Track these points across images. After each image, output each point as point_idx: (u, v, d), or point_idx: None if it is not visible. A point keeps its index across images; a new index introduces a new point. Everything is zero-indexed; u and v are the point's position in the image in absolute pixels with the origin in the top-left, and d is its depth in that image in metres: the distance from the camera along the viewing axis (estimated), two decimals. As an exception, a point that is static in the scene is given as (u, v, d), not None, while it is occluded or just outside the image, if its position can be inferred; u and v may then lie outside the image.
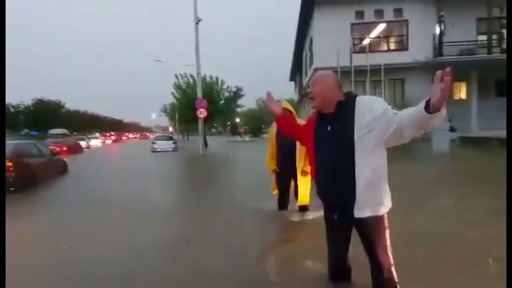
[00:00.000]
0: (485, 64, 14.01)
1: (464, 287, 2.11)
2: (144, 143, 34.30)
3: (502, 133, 12.15)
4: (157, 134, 25.98)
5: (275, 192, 3.95)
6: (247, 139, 29.99)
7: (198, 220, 4.08)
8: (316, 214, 3.39)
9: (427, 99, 1.42)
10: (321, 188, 1.88)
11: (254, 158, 11.36)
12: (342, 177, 1.71)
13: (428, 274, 2.23)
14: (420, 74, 14.54)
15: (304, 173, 3.57)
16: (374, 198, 1.70)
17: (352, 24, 14.99)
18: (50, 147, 10.01)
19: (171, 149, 18.01)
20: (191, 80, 20.12)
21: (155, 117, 74.42)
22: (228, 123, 54.21)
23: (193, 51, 14.07)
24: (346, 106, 1.72)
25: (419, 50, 14.42)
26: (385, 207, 1.75)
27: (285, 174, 3.76)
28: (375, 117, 1.62)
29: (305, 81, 22.06)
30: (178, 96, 21.05)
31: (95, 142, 29.60)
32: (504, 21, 14.46)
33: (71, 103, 55.72)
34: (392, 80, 14.70)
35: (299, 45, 21.65)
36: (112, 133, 55.26)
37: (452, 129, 12.21)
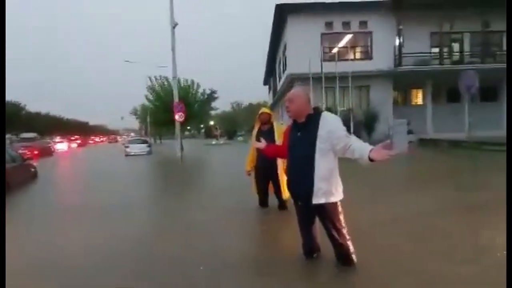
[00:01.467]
0: (438, 74, 15.66)
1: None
2: (113, 147, 32.99)
3: (453, 135, 13.72)
4: (131, 137, 25.30)
5: (257, 193, 4.24)
6: (221, 142, 29.95)
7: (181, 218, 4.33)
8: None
9: (371, 149, 2.05)
10: (290, 181, 2.48)
11: (234, 160, 11.65)
12: (304, 172, 2.27)
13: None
14: (383, 81, 15.89)
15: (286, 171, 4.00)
16: (327, 189, 2.26)
17: (322, 34, 15.97)
18: (20, 151, 9.60)
19: (145, 153, 17.75)
20: (165, 83, 19.93)
21: (123, 120, 71.65)
22: (202, 125, 53.81)
23: (165, 52, 14.20)
24: (314, 118, 2.30)
25: (382, 60, 15.74)
26: (335, 196, 2.30)
27: (264, 174, 4.05)
28: (332, 131, 2.22)
29: (279, 85, 22.86)
30: (152, 99, 20.73)
31: (61, 146, 28.23)
32: (454, 36, 16.28)
33: (32, 104, 51.84)
34: (359, 86, 15.87)
35: (273, 50, 22.43)
36: (76, 136, 52.37)
37: (410, 132, 13.51)
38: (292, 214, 3.66)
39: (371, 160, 2.04)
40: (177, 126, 14.31)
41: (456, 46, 16.38)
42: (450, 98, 16.99)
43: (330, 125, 2.24)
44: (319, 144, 2.22)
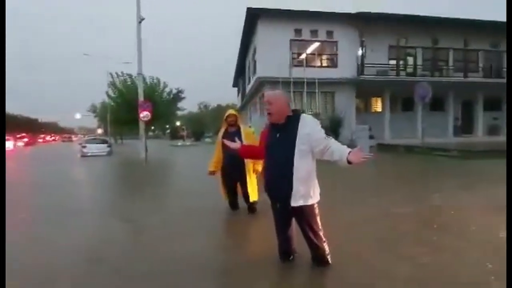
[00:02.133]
0: (395, 84, 16.93)
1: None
2: (67, 147, 30.46)
3: (407, 141, 14.92)
4: (88, 137, 23.39)
5: (225, 195, 4.15)
6: (187, 143, 28.92)
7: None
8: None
9: (349, 151, 2.13)
10: (268, 182, 2.44)
11: (202, 162, 11.41)
12: (283, 174, 2.27)
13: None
14: (346, 88, 16.75)
15: (256, 171, 3.92)
16: (305, 191, 2.28)
17: (291, 40, 16.39)
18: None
19: (105, 153, 16.61)
20: (128, 80, 18.90)
21: (79, 117, 66.45)
22: (167, 126, 52.02)
23: (129, 48, 13.52)
24: (293, 120, 2.31)
25: (346, 68, 16.60)
26: (313, 199, 2.33)
27: (232, 176, 4.00)
28: (311, 133, 2.24)
29: (248, 88, 22.96)
30: (114, 96, 19.49)
31: (6, 144, 25.22)
32: (409, 50, 17.73)
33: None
34: (325, 92, 16.54)
35: (243, 52, 22.47)
36: (24, 134, 47.41)
37: (371, 137, 14.46)
38: (261, 216, 3.72)
39: (349, 162, 2.11)
40: (141, 126, 13.65)
41: (410, 60, 17.84)
42: (405, 107, 18.47)
43: (310, 127, 2.26)
44: (299, 146, 2.22)
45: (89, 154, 16.02)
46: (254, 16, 16.30)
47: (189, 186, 6.57)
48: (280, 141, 2.31)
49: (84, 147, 16.70)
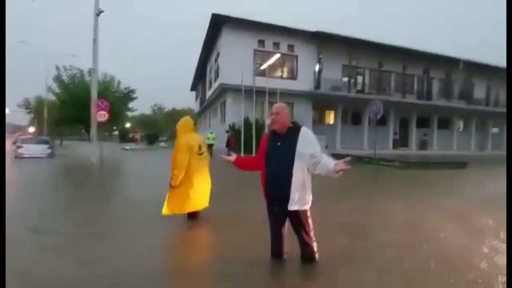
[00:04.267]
0: (346, 99, 18.57)
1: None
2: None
3: (356, 152, 16.41)
4: (25, 136, 20.41)
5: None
6: (141, 147, 26.87)
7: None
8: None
9: (334, 163, 2.37)
10: (268, 187, 2.61)
11: (163, 168, 10.92)
12: (282, 180, 2.48)
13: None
14: (304, 100, 17.81)
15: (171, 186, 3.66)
16: (301, 197, 2.52)
17: (255, 50, 16.91)
18: None
19: (45, 155, 14.74)
20: (78, 75, 17.34)
21: (8, 112, 57.87)
22: (115, 128, 48.37)
23: (73, 39, 12.56)
24: (293, 131, 2.54)
25: (304, 81, 17.69)
26: (307, 204, 2.60)
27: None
28: (309, 146, 2.48)
29: (208, 93, 22.79)
30: (59, 92, 17.62)
31: None
32: (358, 70, 19.66)
33: None
34: (285, 103, 17.19)
35: (205, 56, 22.29)
36: None
37: (326, 147, 15.54)
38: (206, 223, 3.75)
39: (336, 171, 2.37)
40: (93, 126, 12.65)
41: (360, 79, 19.82)
42: (354, 120, 20.33)
43: (309, 140, 2.49)
44: (297, 156, 2.44)
45: (25, 156, 14.06)
46: (219, 23, 16.45)
47: (150, 193, 6.12)
48: (281, 150, 2.51)
49: (20, 147, 14.60)
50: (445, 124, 23.05)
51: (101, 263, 2.61)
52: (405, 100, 19.96)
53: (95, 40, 12.71)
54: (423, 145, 21.88)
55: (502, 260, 2.75)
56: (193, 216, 3.75)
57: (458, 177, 9.28)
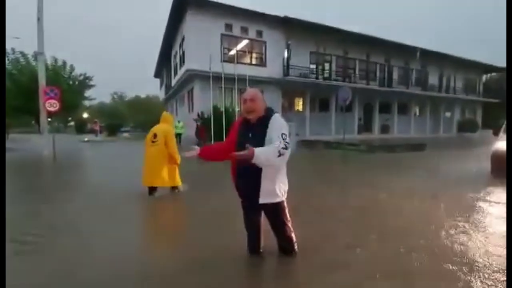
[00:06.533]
0: (314, 86, 18.81)
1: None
2: None
3: (324, 137, 16.84)
4: None
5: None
6: (100, 138, 24.80)
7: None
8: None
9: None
10: (239, 181, 2.43)
11: (124, 160, 10.21)
12: (253, 172, 2.26)
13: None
14: (273, 88, 17.71)
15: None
16: (273, 189, 2.34)
17: (222, 35, 16.27)
18: None
19: (-13, 149, 13.07)
20: (22, 60, 15.39)
21: None
22: (70, 118, 44.62)
23: (14, 21, 11.06)
24: (265, 119, 2.31)
25: (273, 68, 17.52)
26: (279, 197, 2.40)
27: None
28: (271, 129, 2.24)
29: (174, 80, 21.70)
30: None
31: None
32: (326, 57, 19.92)
33: None
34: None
35: (169, 40, 21.04)
36: None
37: (296, 134, 15.73)
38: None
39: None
40: (43, 117, 11.43)
41: (327, 66, 20.14)
42: (321, 107, 20.77)
43: (276, 126, 2.24)
44: (267, 144, 2.20)
45: (-38, 151, 12.32)
46: (183, 5, 15.48)
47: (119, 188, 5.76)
48: (252, 140, 2.26)
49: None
50: (404, 109, 24.54)
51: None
52: (369, 86, 20.78)
53: (39, 20, 11.26)
54: (385, 129, 23.17)
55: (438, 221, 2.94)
56: (151, 192, 4.57)
57: (420, 158, 9.91)
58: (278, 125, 2.24)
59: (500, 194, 4.70)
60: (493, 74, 31.54)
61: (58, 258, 2.61)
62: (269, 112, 2.37)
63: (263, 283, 2.26)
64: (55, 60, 16.09)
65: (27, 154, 12.34)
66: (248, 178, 2.29)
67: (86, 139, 22.70)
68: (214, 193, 4.92)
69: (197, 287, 2.12)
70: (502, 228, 3.17)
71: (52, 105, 9.59)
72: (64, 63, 16.43)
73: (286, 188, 2.46)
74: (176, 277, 2.25)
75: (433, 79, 24.89)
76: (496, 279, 2.15)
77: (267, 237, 2.56)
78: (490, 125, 22.30)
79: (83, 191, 5.47)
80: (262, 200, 2.30)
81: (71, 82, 17.91)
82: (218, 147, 2.63)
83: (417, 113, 26.07)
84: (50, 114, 11.14)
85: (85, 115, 42.82)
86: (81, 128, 38.68)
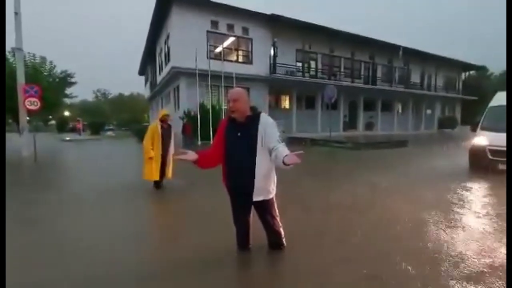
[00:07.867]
0: (301, 84, 18.96)
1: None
2: None
3: (310, 135, 17.05)
4: None
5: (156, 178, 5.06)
6: (84, 137, 23.90)
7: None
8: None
9: (285, 154, 2.06)
10: (231, 180, 2.44)
11: (107, 160, 9.96)
12: (246, 170, 2.32)
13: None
14: (260, 85, 17.72)
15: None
16: (266, 187, 2.41)
17: (208, 31, 16.10)
18: None
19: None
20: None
21: None
22: (50, 116, 43.03)
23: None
24: (253, 119, 2.35)
25: (260, 66, 17.51)
26: (271, 193, 2.49)
27: (164, 160, 5.17)
28: (267, 130, 2.28)
29: (159, 77, 21.31)
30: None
31: None
32: (311, 55, 20.09)
33: None
34: (241, 87, 16.94)
35: (153, 37, 20.61)
36: None
37: (283, 131, 15.83)
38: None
39: (285, 164, 2.06)
40: (22, 115, 10.96)
41: (313, 63, 20.32)
42: (308, 105, 20.97)
43: (268, 126, 2.30)
44: (259, 144, 2.27)
45: None
46: (168, 1, 15.19)
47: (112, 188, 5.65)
48: (242, 139, 2.32)
49: None
50: (387, 107, 25.16)
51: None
52: (354, 84, 21.15)
53: (17, 14, 10.75)
54: (369, 126, 23.69)
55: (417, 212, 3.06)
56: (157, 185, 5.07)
57: (403, 154, 10.22)
58: (270, 126, 2.30)
59: (477, 188, 4.93)
60: (472, 72, 32.79)
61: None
62: (254, 111, 2.40)
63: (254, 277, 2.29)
64: (33, 56, 15.44)
65: (6, 155, 11.82)
66: (243, 177, 2.33)
67: (68, 138, 21.95)
68: (206, 187, 4.90)
69: (193, 284, 2.13)
70: (479, 220, 3.35)
71: (33, 103, 9.20)
72: (44, 59, 15.78)
73: (275, 184, 2.52)
74: (162, 272, 2.25)
75: (415, 77, 25.62)
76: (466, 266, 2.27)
77: (255, 233, 2.60)
78: (468, 122, 23.24)
79: (67, 191, 5.32)
80: (256, 197, 2.36)
81: (51, 80, 17.25)
82: (211, 154, 2.48)
83: (400, 111, 26.80)
84: (30, 112, 10.71)
85: (66, 113, 41.43)
86: (62, 126, 37.34)
